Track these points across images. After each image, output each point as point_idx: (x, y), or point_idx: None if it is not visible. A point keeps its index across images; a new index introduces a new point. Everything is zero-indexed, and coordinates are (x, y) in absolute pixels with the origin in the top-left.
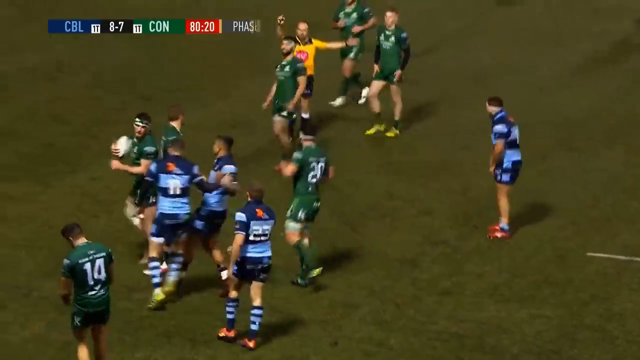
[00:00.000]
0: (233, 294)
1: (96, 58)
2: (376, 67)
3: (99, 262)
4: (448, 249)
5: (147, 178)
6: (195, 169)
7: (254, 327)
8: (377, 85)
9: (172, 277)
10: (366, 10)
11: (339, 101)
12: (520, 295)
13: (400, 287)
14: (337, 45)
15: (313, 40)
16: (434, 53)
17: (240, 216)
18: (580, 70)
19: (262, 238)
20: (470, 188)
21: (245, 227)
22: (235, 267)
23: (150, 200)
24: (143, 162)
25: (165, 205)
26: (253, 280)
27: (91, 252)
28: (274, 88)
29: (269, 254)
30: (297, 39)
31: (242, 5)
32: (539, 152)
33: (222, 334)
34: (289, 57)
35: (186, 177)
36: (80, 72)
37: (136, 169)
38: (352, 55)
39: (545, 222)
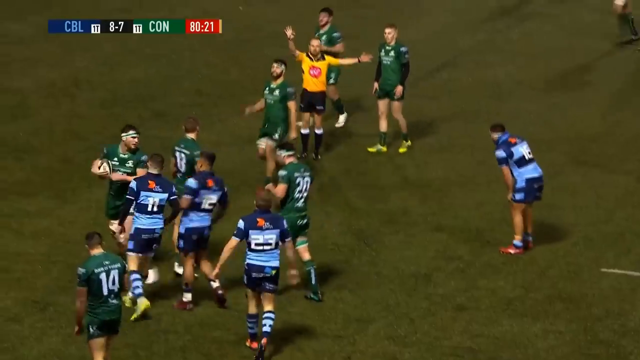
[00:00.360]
0: (251, 309)
1: (113, 75)
2: (375, 85)
3: (114, 273)
4: (462, 264)
5: (128, 196)
6: (174, 188)
7: (265, 328)
8: (382, 104)
9: (141, 298)
10: (335, 34)
11: (341, 120)
12: (534, 310)
13: (415, 302)
14: (349, 61)
15: (325, 56)
16: (449, 68)
17: (240, 223)
18: (593, 86)
19: (266, 247)
20: (483, 203)
21: (241, 233)
22: (245, 277)
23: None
24: (139, 171)
25: (143, 222)
26: (261, 290)
27: (107, 262)
28: (258, 106)
29: (273, 264)
30: (310, 55)
31: (259, 25)
32: (552, 168)
33: (247, 344)
34: (279, 81)
35: (165, 195)
36: (97, 89)
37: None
38: (332, 80)
39: (558, 237)
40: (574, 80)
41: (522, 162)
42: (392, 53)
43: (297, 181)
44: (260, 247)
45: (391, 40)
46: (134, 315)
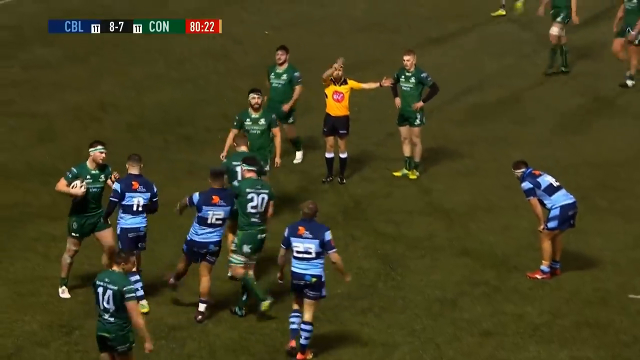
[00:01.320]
0: (295, 306)
1: (140, 99)
2: (397, 101)
3: (109, 293)
4: (488, 289)
5: (112, 198)
6: (155, 188)
7: (302, 341)
8: (404, 130)
9: (142, 300)
10: (296, 74)
11: (298, 157)
12: (561, 337)
13: (440, 327)
14: (371, 85)
15: (348, 80)
16: (475, 93)
17: (285, 231)
18: (620, 110)
19: (306, 255)
20: (510, 228)
21: (285, 241)
22: (290, 282)
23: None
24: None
25: (128, 221)
26: (302, 296)
27: (107, 280)
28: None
29: (313, 272)
30: (333, 79)
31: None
32: (579, 193)
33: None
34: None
35: (148, 194)
36: (123, 113)
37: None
38: (291, 119)
39: (585, 263)
40: (602, 104)
41: (551, 190)
42: (412, 79)
43: (250, 196)
44: (301, 255)
45: (410, 66)
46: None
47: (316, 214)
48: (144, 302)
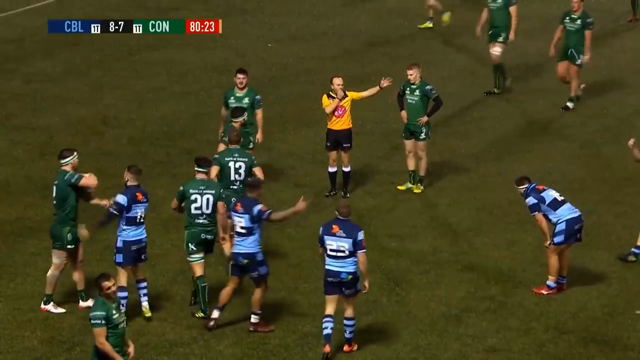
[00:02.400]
0: (328, 309)
1: (141, 112)
2: (403, 114)
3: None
4: (493, 304)
5: (114, 211)
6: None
7: (347, 335)
8: (409, 143)
9: (145, 303)
10: (257, 97)
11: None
12: (567, 353)
13: (445, 343)
14: (371, 91)
15: (348, 93)
16: (480, 106)
17: (320, 230)
18: (628, 124)
19: (339, 254)
20: (515, 243)
21: (320, 240)
22: (323, 282)
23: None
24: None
25: (131, 233)
26: (339, 294)
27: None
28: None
29: (348, 269)
30: (331, 94)
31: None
32: (585, 207)
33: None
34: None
35: (147, 204)
36: (125, 126)
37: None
38: (251, 145)
39: (592, 278)
40: (608, 118)
41: (556, 204)
42: (417, 92)
43: (194, 197)
44: (334, 254)
45: (415, 80)
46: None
47: (350, 214)
48: (145, 304)
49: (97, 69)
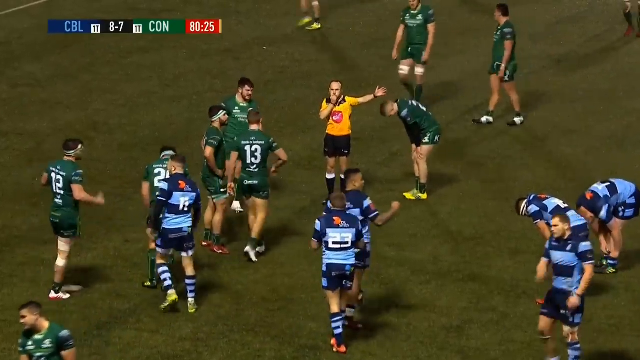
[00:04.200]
0: (334, 308)
1: (133, 117)
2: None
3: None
4: (496, 315)
5: (160, 197)
6: (198, 189)
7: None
8: (413, 148)
9: (191, 300)
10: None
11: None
12: None
13: (447, 355)
14: (367, 98)
15: (346, 98)
16: (482, 110)
17: (316, 223)
18: (633, 129)
19: (343, 245)
20: (519, 252)
21: (317, 234)
22: (325, 279)
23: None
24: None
25: (171, 222)
26: (342, 288)
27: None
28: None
29: (352, 261)
30: (330, 100)
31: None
32: None
33: (334, 349)
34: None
35: (194, 194)
36: (116, 132)
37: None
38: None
39: (598, 289)
40: (614, 124)
41: (559, 212)
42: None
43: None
44: (338, 246)
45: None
46: (163, 305)
47: (345, 206)
48: (191, 300)
49: (87, 73)
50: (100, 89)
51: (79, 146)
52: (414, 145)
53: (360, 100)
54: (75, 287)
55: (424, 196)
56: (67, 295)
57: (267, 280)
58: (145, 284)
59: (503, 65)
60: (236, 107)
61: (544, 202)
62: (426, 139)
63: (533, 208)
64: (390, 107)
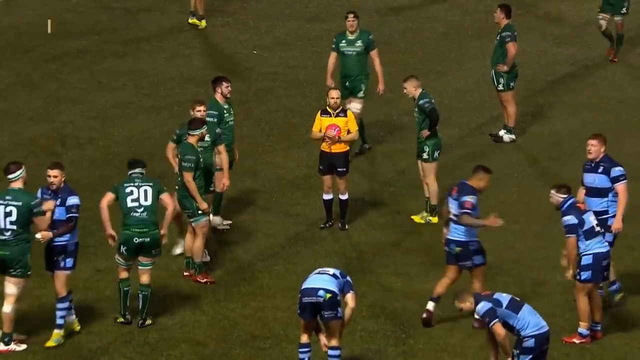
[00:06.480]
0: (303, 337)
1: (105, 130)
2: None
3: None
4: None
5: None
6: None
7: None
8: (419, 164)
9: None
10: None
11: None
12: None
13: None
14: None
15: (348, 112)
16: (499, 122)
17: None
18: None
19: (320, 270)
20: (542, 284)
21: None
22: (298, 306)
23: None
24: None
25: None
26: (319, 319)
27: None
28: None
29: (326, 286)
30: (328, 109)
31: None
32: (624, 242)
33: None
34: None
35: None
36: (86, 147)
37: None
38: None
39: (632, 324)
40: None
41: (590, 234)
42: (416, 108)
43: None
44: (316, 273)
45: (410, 93)
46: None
47: None
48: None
49: (53, 81)
50: (68, 99)
51: (22, 168)
52: (418, 161)
53: (352, 133)
54: (21, 337)
55: (435, 219)
56: (23, 347)
57: (257, 315)
58: (118, 320)
59: (505, 68)
60: (224, 112)
61: (583, 216)
62: (425, 155)
63: (571, 220)
64: (415, 83)
